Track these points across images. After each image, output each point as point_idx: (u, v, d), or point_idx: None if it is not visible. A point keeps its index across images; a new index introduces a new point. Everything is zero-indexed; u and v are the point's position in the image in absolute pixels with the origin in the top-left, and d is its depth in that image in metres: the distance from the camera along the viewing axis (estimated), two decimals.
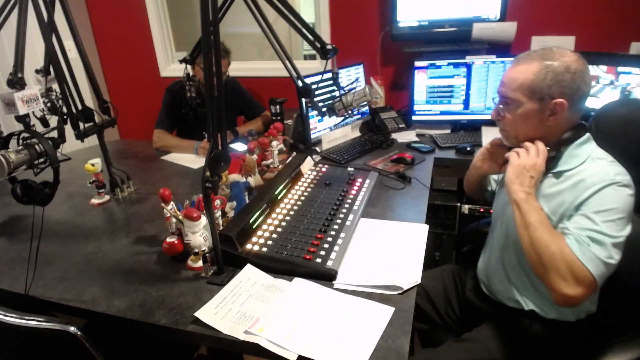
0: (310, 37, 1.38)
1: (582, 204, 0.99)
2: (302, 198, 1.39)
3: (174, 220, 1.19)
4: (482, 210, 2.02)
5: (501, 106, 1.09)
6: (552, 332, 1.11)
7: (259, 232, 1.18)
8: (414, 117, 2.22)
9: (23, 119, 1.24)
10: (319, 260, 1.07)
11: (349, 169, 1.63)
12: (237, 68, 2.51)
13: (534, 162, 1.02)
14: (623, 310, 1.14)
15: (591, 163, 1.02)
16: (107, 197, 1.58)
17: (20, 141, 1.21)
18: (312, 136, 1.94)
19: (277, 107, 2.18)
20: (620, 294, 1.12)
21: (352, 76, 2.17)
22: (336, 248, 1.12)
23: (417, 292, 1.19)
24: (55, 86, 1.35)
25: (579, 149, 1.05)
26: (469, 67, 2.09)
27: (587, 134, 1.07)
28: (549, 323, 1.11)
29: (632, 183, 0.99)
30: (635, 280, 1.10)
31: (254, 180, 1.51)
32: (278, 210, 1.29)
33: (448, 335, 1.32)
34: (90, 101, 1.53)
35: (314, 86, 1.48)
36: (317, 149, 1.92)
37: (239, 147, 1.99)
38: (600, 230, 0.94)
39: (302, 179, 1.52)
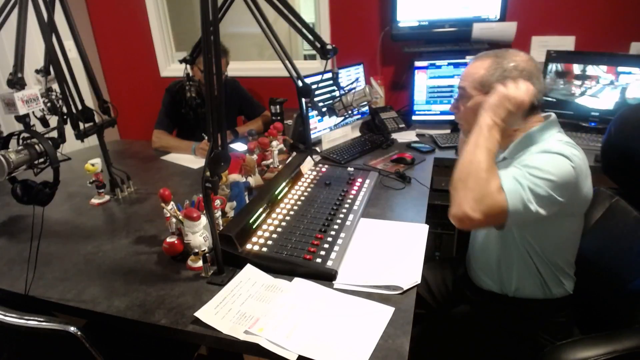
0: (310, 37, 1.38)
1: (520, 161, 1.04)
2: (302, 198, 1.39)
3: (174, 220, 1.19)
4: None
5: (457, 98, 1.16)
6: (519, 313, 1.17)
7: (259, 232, 1.18)
8: (414, 117, 2.22)
9: (23, 119, 1.23)
10: (319, 260, 1.07)
11: (349, 169, 1.63)
12: (237, 68, 2.52)
13: (517, 96, 1.03)
14: (597, 293, 1.19)
15: (544, 143, 1.06)
16: (107, 197, 1.58)
17: (20, 141, 1.21)
18: (312, 136, 1.94)
19: (277, 107, 2.18)
20: (594, 278, 1.19)
21: (352, 76, 2.17)
22: (336, 248, 1.12)
23: None
24: (55, 86, 1.35)
25: (535, 138, 1.08)
26: None
27: (541, 125, 1.09)
28: (517, 303, 1.17)
29: (580, 162, 1.00)
30: (607, 264, 1.17)
31: (254, 180, 1.51)
32: (278, 210, 1.29)
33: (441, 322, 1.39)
34: (90, 101, 1.53)
35: (314, 86, 1.49)
36: (317, 149, 1.92)
37: (239, 147, 1.99)
38: (523, 176, 0.99)
39: (302, 179, 1.52)
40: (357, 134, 2.15)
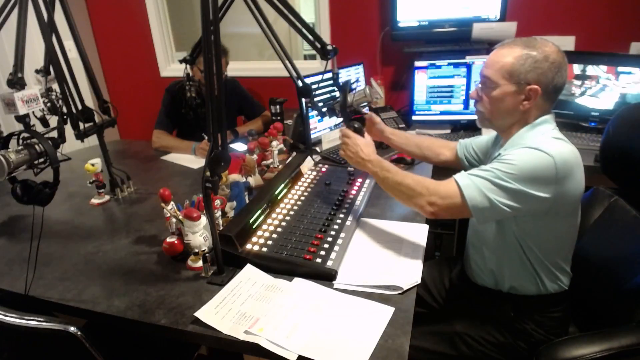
0: (310, 37, 1.38)
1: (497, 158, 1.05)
2: (302, 198, 1.39)
3: (174, 220, 1.19)
4: None
5: (480, 86, 1.13)
6: (514, 309, 1.17)
7: (259, 232, 1.18)
8: (414, 117, 2.22)
9: (23, 119, 1.23)
10: (319, 260, 1.07)
11: (349, 169, 1.62)
12: (237, 68, 2.52)
13: (350, 145, 1.24)
14: (595, 291, 1.20)
15: (533, 138, 1.05)
16: (107, 197, 1.58)
17: (20, 141, 1.21)
18: (312, 136, 1.94)
19: (277, 107, 2.18)
20: (592, 276, 1.20)
21: (352, 76, 2.17)
22: (336, 248, 1.12)
23: None
24: (55, 86, 1.35)
25: (529, 132, 1.08)
26: (469, 67, 2.09)
27: (540, 120, 1.09)
28: (511, 299, 1.17)
29: (565, 158, 0.99)
30: (605, 263, 1.18)
31: (254, 180, 1.51)
32: (278, 210, 1.29)
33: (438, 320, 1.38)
34: (90, 101, 1.54)
35: (314, 86, 1.49)
36: (317, 149, 1.92)
37: (239, 147, 1.99)
38: (486, 170, 1.03)
39: (302, 179, 1.52)
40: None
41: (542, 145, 1.00)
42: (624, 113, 1.23)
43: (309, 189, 1.45)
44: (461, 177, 1.05)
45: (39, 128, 1.30)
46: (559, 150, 1.00)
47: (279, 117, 2.18)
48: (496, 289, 1.19)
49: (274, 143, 1.63)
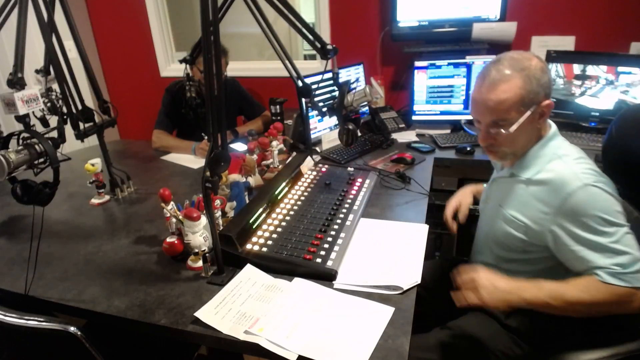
0: (310, 37, 1.38)
1: (562, 214, 0.99)
2: (302, 198, 1.39)
3: (174, 220, 1.19)
4: None
5: (491, 131, 1.06)
6: (527, 323, 1.13)
7: (259, 232, 1.18)
8: (414, 117, 2.22)
9: (23, 119, 1.23)
10: (319, 260, 1.07)
11: (349, 169, 1.63)
12: (237, 68, 2.52)
13: (486, 287, 0.96)
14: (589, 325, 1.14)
15: (557, 162, 1.04)
16: (107, 197, 1.58)
17: (20, 141, 1.21)
18: (312, 136, 1.94)
19: (277, 107, 2.18)
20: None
21: (352, 76, 2.17)
22: (336, 248, 1.12)
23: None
24: (55, 86, 1.35)
25: (544, 148, 1.07)
26: (469, 67, 2.09)
27: (553, 130, 1.09)
28: (522, 313, 1.13)
29: (600, 177, 1.00)
30: None
31: (254, 180, 1.51)
32: (278, 210, 1.29)
33: (437, 321, 1.35)
34: (90, 101, 1.53)
35: (314, 86, 1.48)
36: (317, 149, 1.92)
37: (239, 147, 1.99)
38: (603, 244, 0.94)
39: (302, 179, 1.52)
40: (358, 134, 2.15)
41: (585, 177, 0.97)
42: (627, 114, 1.23)
43: (309, 189, 1.45)
44: (599, 269, 0.95)
45: (39, 128, 1.30)
46: (597, 177, 0.99)
47: (279, 117, 2.18)
48: None
49: (274, 143, 1.63)
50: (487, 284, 0.96)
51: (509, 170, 1.14)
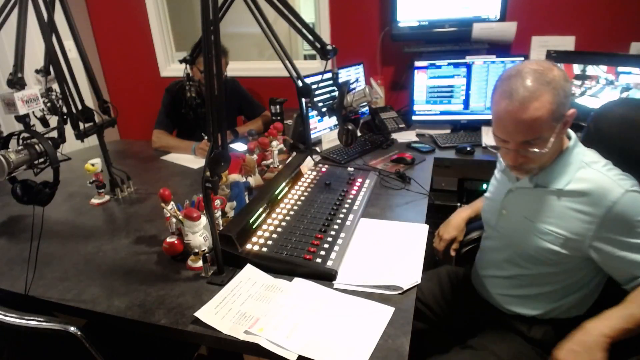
0: (310, 37, 1.38)
1: (607, 223, 0.96)
2: (302, 198, 1.39)
3: (174, 220, 1.19)
4: None
5: (522, 150, 0.99)
6: (552, 333, 1.11)
7: (259, 232, 1.18)
8: (414, 117, 2.22)
9: (23, 119, 1.23)
10: (319, 260, 1.07)
11: (349, 169, 1.63)
12: (237, 68, 2.52)
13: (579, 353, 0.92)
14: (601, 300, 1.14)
15: (587, 170, 1.01)
16: (107, 197, 1.58)
17: (20, 141, 1.21)
18: (312, 136, 1.94)
19: (277, 107, 2.18)
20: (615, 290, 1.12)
21: (352, 76, 2.17)
22: (336, 248, 1.12)
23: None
24: (55, 86, 1.35)
25: (570, 157, 1.04)
26: (469, 67, 2.09)
27: (574, 137, 1.06)
28: (547, 323, 1.13)
29: (631, 180, 0.99)
30: None
31: (254, 180, 1.51)
32: (278, 210, 1.29)
33: (445, 337, 1.32)
34: (90, 101, 1.53)
35: (314, 86, 1.48)
36: (317, 149, 1.92)
37: (239, 147, 1.99)
38: None
39: (302, 179, 1.52)
40: (358, 134, 2.15)
41: (623, 184, 0.96)
42: (604, 111, 1.23)
43: (309, 189, 1.45)
44: None
45: (39, 128, 1.30)
46: (631, 181, 0.99)
47: (279, 117, 2.18)
48: (529, 315, 1.14)
49: (274, 143, 1.63)
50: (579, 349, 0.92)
51: (532, 181, 1.08)
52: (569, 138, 1.07)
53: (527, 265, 1.12)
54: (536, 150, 0.98)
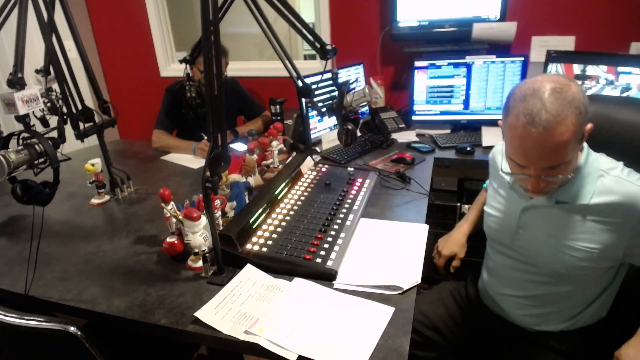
0: (310, 37, 1.38)
1: None
2: (302, 198, 1.39)
3: (174, 220, 1.19)
4: None
5: (545, 175, 0.93)
6: (581, 342, 1.10)
7: (259, 232, 1.18)
8: (414, 117, 2.22)
9: (23, 119, 1.24)
10: (319, 260, 1.07)
11: (349, 169, 1.63)
12: (237, 68, 2.52)
13: None
14: (632, 315, 1.10)
15: (607, 179, 0.97)
16: (107, 197, 1.58)
17: (20, 141, 1.21)
18: (312, 136, 1.94)
19: (277, 107, 2.18)
20: (629, 300, 1.11)
21: (352, 76, 2.17)
22: (336, 248, 1.12)
23: (418, 320, 1.19)
24: (55, 86, 1.35)
25: (586, 167, 0.99)
26: (469, 67, 2.09)
27: (585, 145, 1.01)
28: (575, 334, 1.10)
29: None
30: None
31: (254, 180, 1.51)
32: (278, 210, 1.29)
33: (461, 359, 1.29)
34: (90, 101, 1.53)
35: (313, 86, 1.48)
36: (317, 149, 1.92)
37: (239, 147, 1.99)
38: None
39: (302, 179, 1.52)
40: (357, 134, 2.15)
41: None
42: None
43: (309, 189, 1.45)
44: None
45: (39, 128, 1.30)
46: None
47: (279, 117, 2.18)
48: (558, 330, 1.11)
49: (274, 143, 1.63)
50: None
51: (551, 198, 1.02)
52: (581, 148, 1.02)
53: (555, 283, 1.07)
54: (560, 176, 0.92)
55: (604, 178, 0.98)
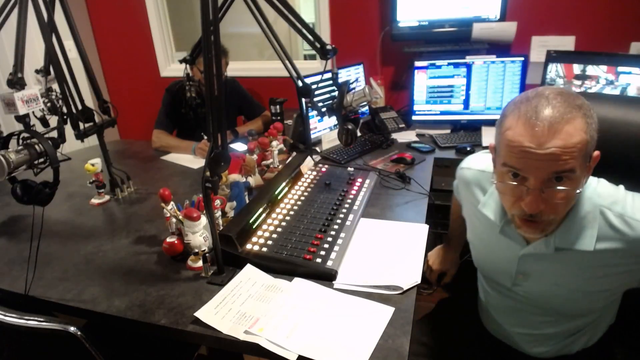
0: (310, 37, 1.38)
1: None
2: (302, 198, 1.39)
3: (174, 220, 1.19)
4: None
5: (545, 190, 0.77)
6: (598, 353, 1.05)
7: (259, 232, 1.17)
8: (414, 117, 2.22)
9: (23, 119, 1.24)
10: (319, 260, 1.07)
11: (349, 169, 1.63)
12: (237, 68, 2.52)
13: None
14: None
15: (610, 216, 0.84)
16: (107, 197, 1.58)
17: (20, 141, 1.21)
18: (312, 136, 1.94)
19: (277, 107, 2.18)
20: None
21: (352, 76, 2.17)
22: (336, 248, 1.12)
23: (418, 353, 1.13)
24: (55, 86, 1.35)
25: (584, 203, 0.85)
26: (469, 67, 2.09)
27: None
28: (594, 348, 1.04)
29: None
30: None
31: (254, 180, 1.51)
32: (278, 210, 1.29)
33: None
34: (90, 101, 1.53)
35: (313, 86, 1.48)
36: (317, 149, 1.92)
37: (239, 147, 1.99)
38: None
39: (302, 179, 1.52)
40: (357, 134, 2.15)
41: None
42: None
43: (309, 189, 1.45)
44: None
45: (39, 128, 1.30)
46: None
47: (279, 117, 2.18)
48: (575, 351, 1.03)
49: (274, 143, 1.63)
50: None
51: (549, 245, 0.88)
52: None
53: (573, 319, 0.99)
54: (567, 188, 0.76)
55: (606, 215, 0.84)
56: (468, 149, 1.87)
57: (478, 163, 1.08)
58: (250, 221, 1.17)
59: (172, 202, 1.20)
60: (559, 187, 0.77)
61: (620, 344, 1.09)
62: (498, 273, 1.04)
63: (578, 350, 1.04)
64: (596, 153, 0.80)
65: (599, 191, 0.87)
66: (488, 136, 1.98)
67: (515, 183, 0.80)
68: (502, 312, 1.09)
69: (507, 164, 0.80)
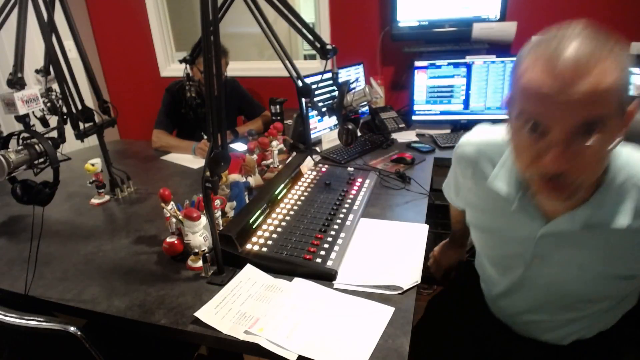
0: (310, 37, 1.38)
1: None
2: (302, 198, 1.39)
3: (174, 220, 1.19)
4: None
5: (572, 143, 0.64)
6: (618, 337, 0.99)
7: (259, 232, 1.17)
8: (414, 117, 2.22)
9: (23, 119, 1.24)
10: (319, 260, 1.07)
11: (349, 169, 1.63)
12: (237, 68, 2.52)
13: None
14: None
15: None
16: (107, 197, 1.58)
17: (20, 141, 1.21)
18: (312, 136, 1.94)
19: (277, 107, 2.18)
20: None
21: (352, 76, 2.17)
22: (336, 248, 1.12)
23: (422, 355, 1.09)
24: (55, 86, 1.35)
25: (618, 173, 0.74)
26: (469, 67, 2.09)
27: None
28: (611, 331, 0.97)
29: None
30: None
31: (254, 180, 1.51)
32: (278, 210, 1.29)
33: None
34: (90, 101, 1.53)
35: (314, 86, 1.48)
36: (317, 149, 1.92)
37: (239, 147, 1.99)
38: None
39: (302, 179, 1.52)
40: (357, 133, 2.15)
41: None
42: None
43: (309, 189, 1.45)
44: None
45: (39, 128, 1.30)
46: None
47: (279, 117, 2.18)
48: (593, 334, 0.96)
49: (274, 143, 1.63)
50: None
51: (575, 220, 0.77)
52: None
53: (593, 303, 0.90)
54: (598, 143, 0.62)
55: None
56: None
57: (478, 136, 0.95)
58: (250, 221, 1.17)
59: (172, 202, 1.20)
60: (587, 143, 0.63)
61: (637, 327, 1.01)
62: (510, 257, 0.93)
63: (594, 334, 0.95)
64: (635, 103, 0.66)
65: (631, 161, 0.74)
66: None
67: (533, 140, 0.66)
68: (514, 303, 1.00)
69: (524, 112, 0.66)
